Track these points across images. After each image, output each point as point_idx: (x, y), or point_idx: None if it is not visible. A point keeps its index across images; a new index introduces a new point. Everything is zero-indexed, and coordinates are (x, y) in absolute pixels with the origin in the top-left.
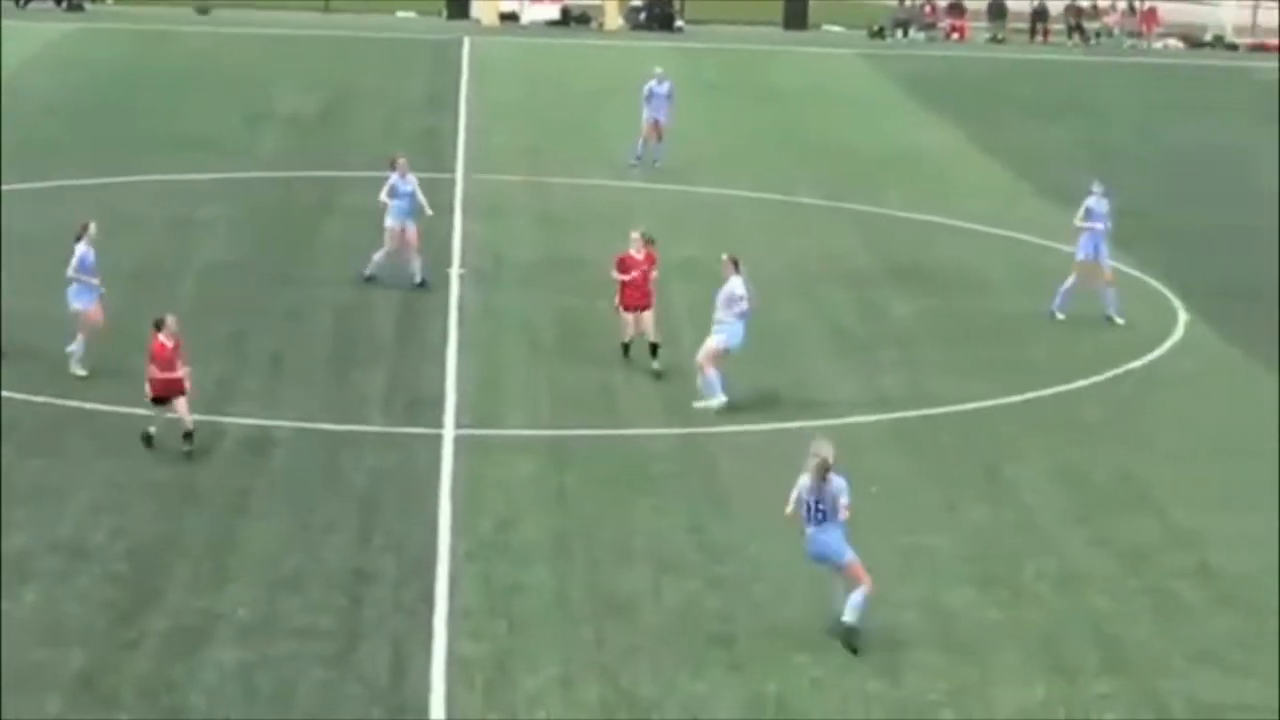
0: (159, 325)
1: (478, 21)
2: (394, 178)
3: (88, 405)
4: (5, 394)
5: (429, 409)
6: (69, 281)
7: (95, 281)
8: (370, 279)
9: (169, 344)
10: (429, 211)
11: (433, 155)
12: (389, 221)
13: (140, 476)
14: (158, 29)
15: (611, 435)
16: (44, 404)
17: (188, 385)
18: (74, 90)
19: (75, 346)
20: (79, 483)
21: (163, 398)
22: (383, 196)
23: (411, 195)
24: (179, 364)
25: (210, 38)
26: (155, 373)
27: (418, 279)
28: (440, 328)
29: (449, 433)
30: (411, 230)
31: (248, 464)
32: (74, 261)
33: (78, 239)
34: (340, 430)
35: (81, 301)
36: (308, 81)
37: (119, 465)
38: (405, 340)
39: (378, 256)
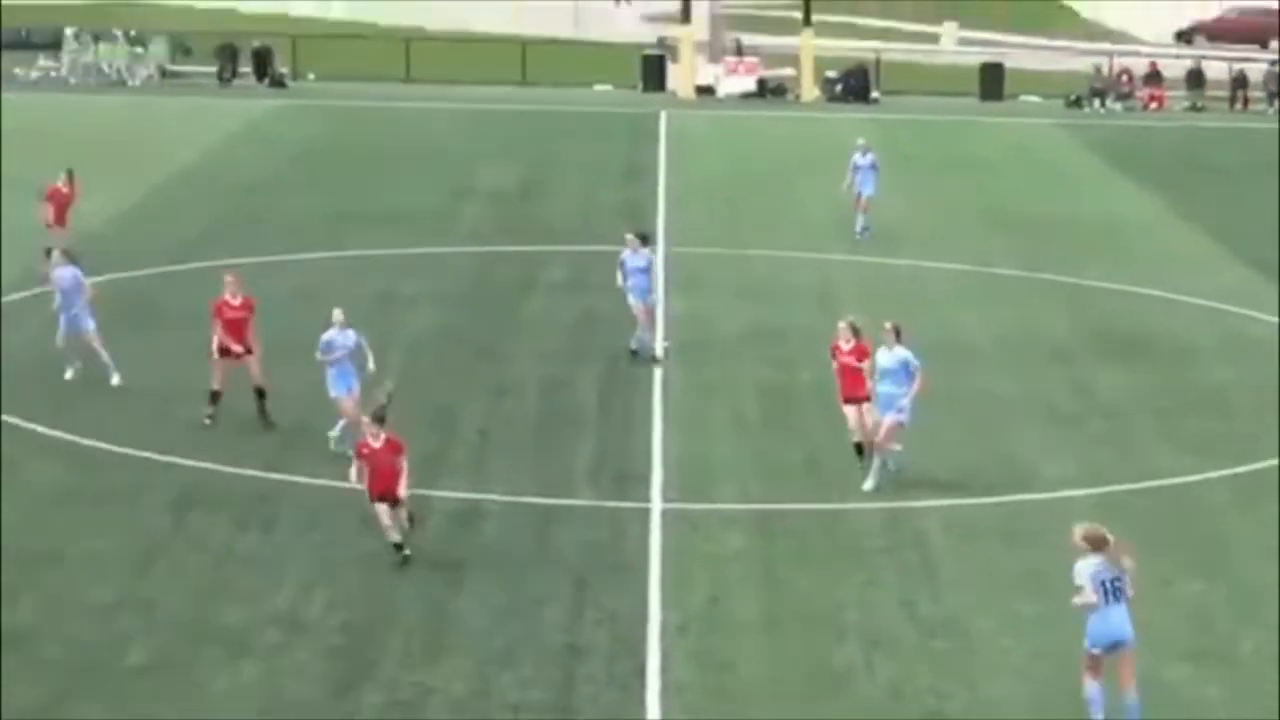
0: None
1: (674, 94)
2: (625, 254)
3: (298, 478)
4: (218, 468)
5: (636, 483)
6: (323, 366)
7: (335, 357)
8: (635, 353)
9: (373, 443)
10: (655, 296)
11: (632, 228)
12: (630, 300)
13: (352, 549)
14: (359, 105)
15: (820, 509)
16: (254, 477)
17: (402, 488)
18: (276, 166)
19: (336, 431)
20: (293, 555)
21: (378, 496)
22: (618, 279)
23: (644, 271)
24: (391, 461)
25: (410, 113)
26: (363, 470)
27: (656, 352)
28: (645, 401)
29: (657, 506)
30: (650, 304)
31: (458, 537)
32: (320, 346)
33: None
34: (549, 504)
35: (335, 389)
36: (507, 155)
37: (331, 538)
38: (611, 414)
39: (637, 334)
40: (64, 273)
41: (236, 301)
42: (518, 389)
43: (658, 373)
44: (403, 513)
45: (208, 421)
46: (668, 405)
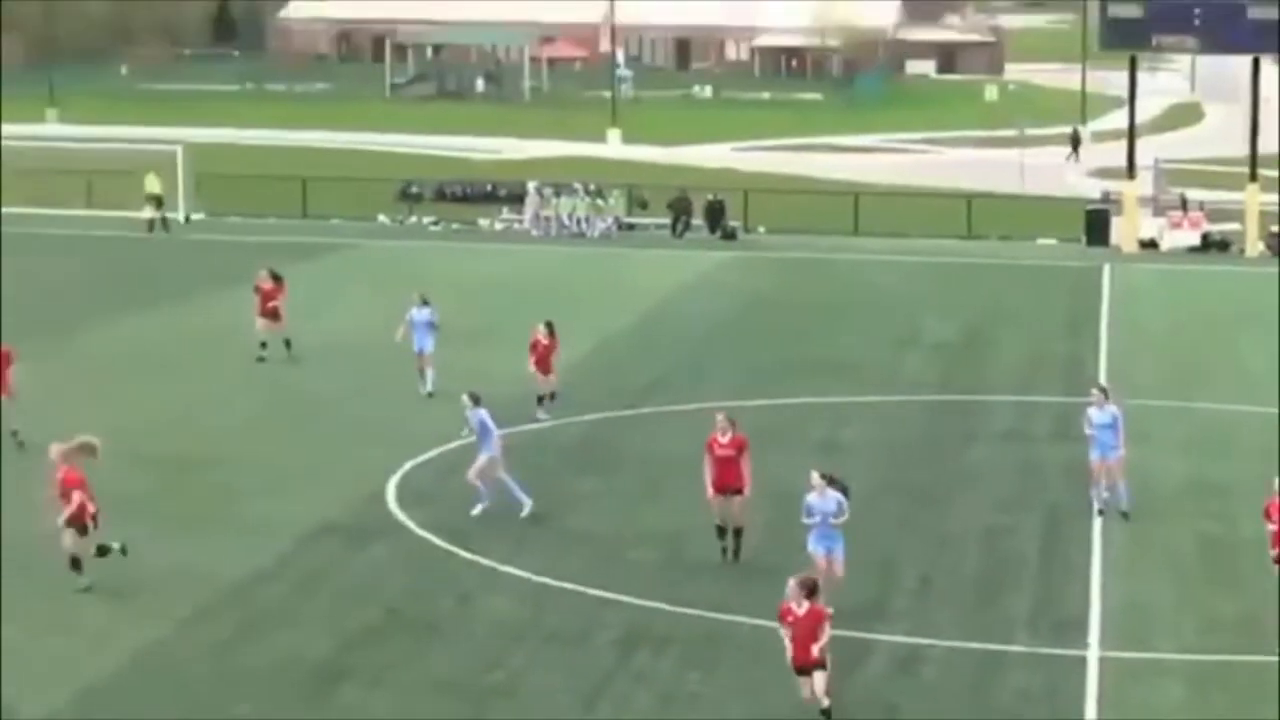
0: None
1: (1117, 248)
2: (1091, 409)
3: (743, 619)
4: (665, 607)
5: (1075, 631)
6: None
7: (814, 521)
8: (1101, 512)
9: (796, 610)
10: (1121, 451)
11: (1074, 382)
12: (1091, 454)
13: (794, 692)
14: (807, 256)
15: (1257, 662)
16: (701, 617)
17: (819, 658)
18: (726, 315)
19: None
20: (735, 695)
21: (799, 666)
22: (1085, 428)
23: (1109, 426)
24: (813, 630)
25: (856, 264)
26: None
27: (1122, 506)
28: (1084, 551)
29: (1094, 654)
30: (1113, 460)
31: (895, 681)
32: (803, 509)
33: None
34: (987, 649)
35: (813, 547)
36: (951, 307)
37: (772, 678)
38: (1051, 563)
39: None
40: (471, 415)
41: (725, 439)
42: (960, 537)
43: (1098, 523)
44: (820, 680)
45: (720, 556)
46: (1108, 555)
